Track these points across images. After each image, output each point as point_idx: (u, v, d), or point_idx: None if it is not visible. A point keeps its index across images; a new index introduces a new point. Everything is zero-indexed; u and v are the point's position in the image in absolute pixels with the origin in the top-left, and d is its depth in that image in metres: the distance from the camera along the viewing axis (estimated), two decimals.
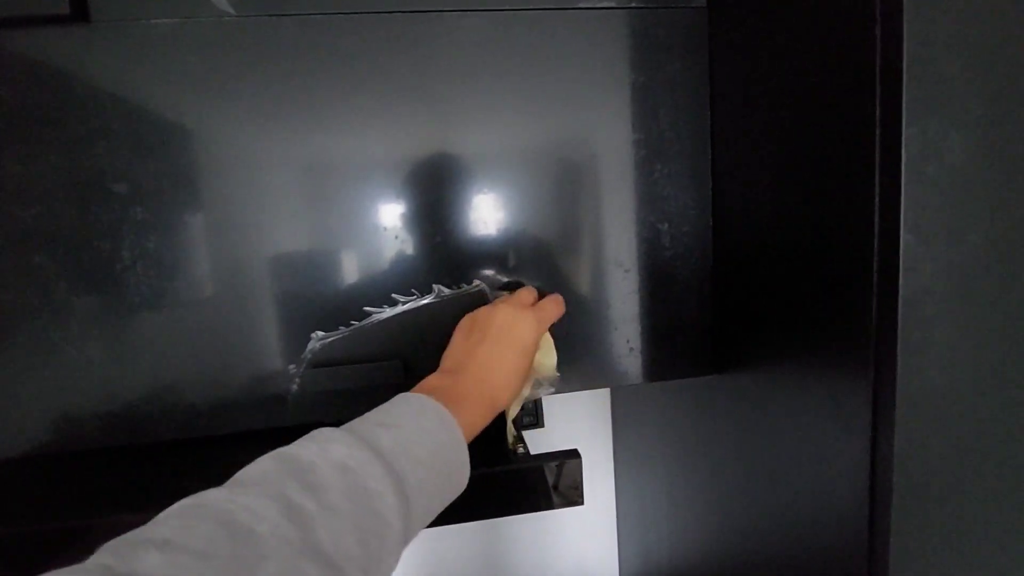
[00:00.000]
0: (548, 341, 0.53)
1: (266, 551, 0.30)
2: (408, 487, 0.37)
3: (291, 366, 0.53)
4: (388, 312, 0.53)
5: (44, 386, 0.50)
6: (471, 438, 0.44)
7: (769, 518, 0.52)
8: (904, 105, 0.34)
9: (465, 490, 0.43)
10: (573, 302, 0.56)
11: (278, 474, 0.34)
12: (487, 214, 0.54)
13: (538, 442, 0.67)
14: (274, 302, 0.52)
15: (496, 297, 0.54)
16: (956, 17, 0.34)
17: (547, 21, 0.52)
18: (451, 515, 0.42)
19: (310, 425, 0.53)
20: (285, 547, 0.30)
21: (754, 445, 0.54)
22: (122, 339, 0.50)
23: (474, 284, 0.54)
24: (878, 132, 0.36)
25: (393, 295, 0.53)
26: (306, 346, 0.53)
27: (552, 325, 0.52)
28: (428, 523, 0.40)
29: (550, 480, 0.51)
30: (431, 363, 0.51)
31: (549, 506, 0.52)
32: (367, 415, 0.41)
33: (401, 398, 0.43)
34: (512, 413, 0.52)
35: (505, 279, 0.55)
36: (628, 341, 0.58)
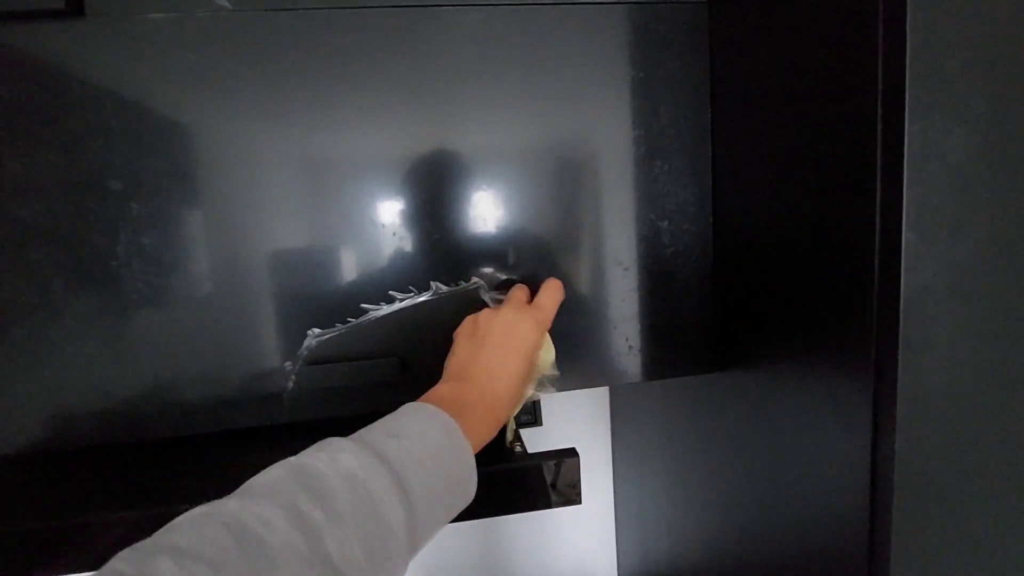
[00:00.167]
0: (545, 336, 0.53)
1: (276, 560, 0.30)
2: (414, 498, 0.38)
3: (287, 363, 0.52)
4: (385, 309, 0.53)
5: (40, 384, 0.50)
6: (478, 448, 0.44)
7: (769, 517, 0.52)
8: (906, 102, 0.34)
9: None
10: (572, 300, 0.56)
11: (288, 483, 0.35)
12: (485, 211, 0.54)
13: (536, 441, 0.67)
14: (271, 299, 0.52)
15: (491, 297, 0.54)
16: (959, 14, 0.34)
17: (546, 16, 0.51)
18: None
19: (307, 423, 0.54)
20: (294, 556, 0.31)
21: (754, 444, 0.53)
22: (119, 336, 0.50)
23: (472, 281, 0.54)
24: (880, 129, 0.35)
25: (390, 292, 0.53)
26: (302, 343, 0.52)
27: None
28: (435, 534, 0.40)
29: (548, 479, 0.51)
30: (428, 360, 0.51)
31: (547, 505, 0.51)
32: (374, 424, 0.41)
33: (408, 408, 0.43)
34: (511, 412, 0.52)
35: (503, 277, 0.55)
36: (627, 339, 0.58)
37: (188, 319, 0.51)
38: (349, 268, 0.52)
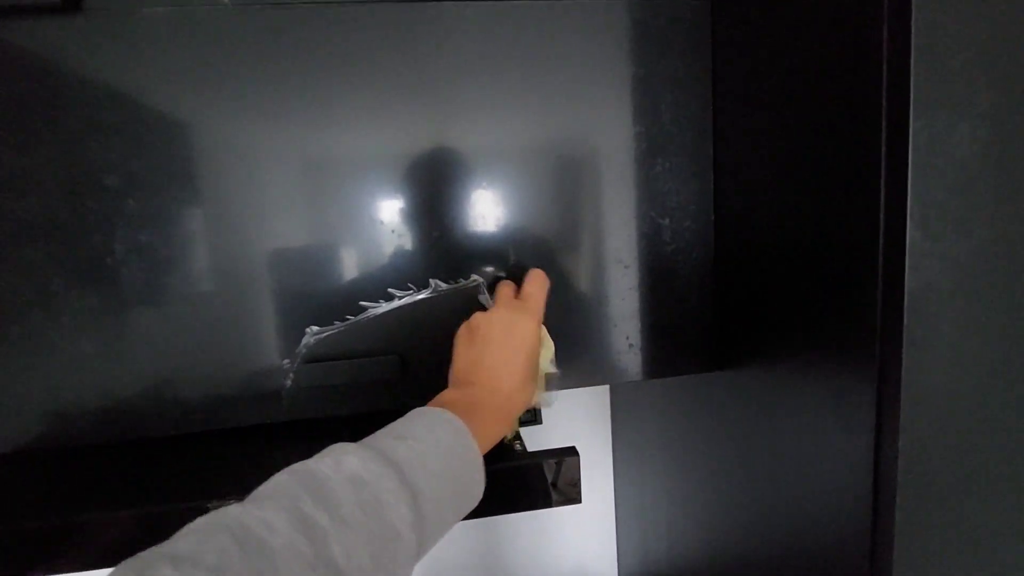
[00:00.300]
0: (543, 332, 0.52)
1: (278, 563, 0.30)
2: (422, 500, 0.38)
3: (285, 361, 0.52)
4: (384, 307, 0.53)
5: (38, 382, 0.49)
6: (489, 447, 0.45)
7: (770, 517, 0.51)
8: (911, 98, 0.34)
9: None
10: (572, 298, 0.56)
11: (292, 488, 0.35)
12: (485, 209, 0.53)
13: (536, 439, 0.67)
14: (269, 297, 0.51)
15: (485, 299, 0.54)
16: (964, 9, 0.33)
17: (547, 12, 0.51)
18: None
19: (306, 421, 0.53)
20: (297, 559, 0.31)
21: (755, 443, 0.53)
22: (117, 334, 0.50)
23: (471, 279, 0.54)
24: (884, 125, 0.35)
25: (389, 290, 0.53)
26: (301, 341, 0.52)
27: (547, 318, 0.52)
28: (443, 535, 0.41)
29: (548, 478, 0.51)
30: (428, 358, 0.50)
31: (547, 504, 0.51)
32: (382, 429, 0.42)
33: (416, 412, 0.43)
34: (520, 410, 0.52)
35: (503, 275, 0.54)
36: (628, 338, 0.58)
37: (186, 317, 0.50)
38: (348, 266, 0.52)
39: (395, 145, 0.51)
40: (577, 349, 0.57)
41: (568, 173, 0.54)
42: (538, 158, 0.53)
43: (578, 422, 1.04)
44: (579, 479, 0.52)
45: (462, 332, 0.50)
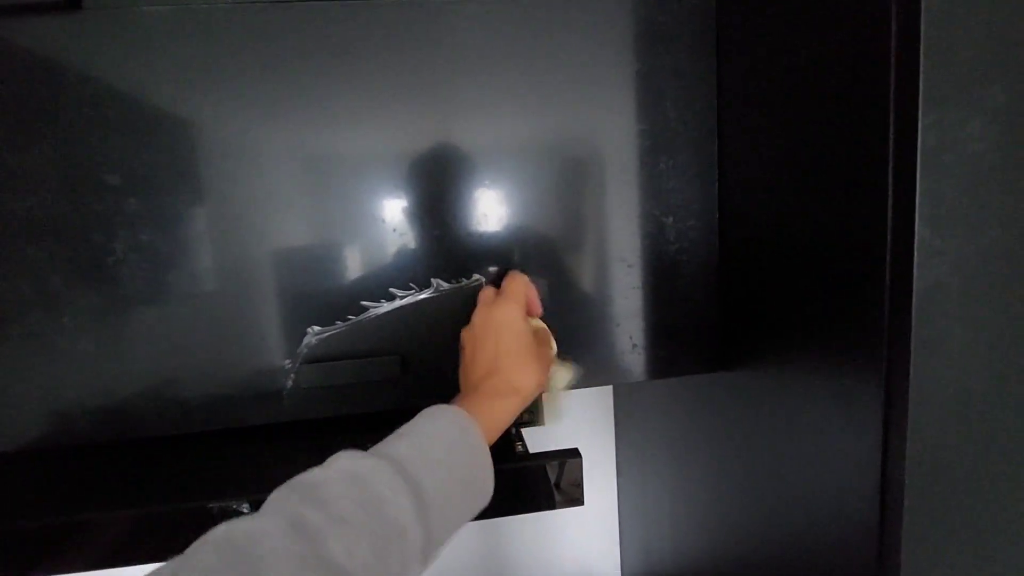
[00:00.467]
0: (544, 329, 0.52)
1: (263, 568, 0.30)
2: (424, 490, 0.38)
3: (287, 361, 0.52)
4: (386, 307, 0.53)
5: (38, 381, 0.49)
6: (499, 430, 0.45)
7: (775, 518, 0.51)
8: (921, 92, 0.33)
9: None
10: (575, 298, 0.55)
11: (285, 496, 0.35)
12: (487, 208, 0.53)
13: (539, 441, 0.67)
14: (270, 296, 0.51)
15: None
16: (974, 1, 0.33)
17: (550, 8, 0.51)
18: None
19: (306, 421, 0.53)
20: (290, 562, 0.31)
21: (760, 444, 0.53)
22: (116, 333, 0.50)
23: (473, 278, 0.53)
24: (893, 120, 0.35)
25: (391, 289, 0.52)
26: (302, 341, 0.52)
27: (550, 318, 0.51)
28: (455, 528, 0.40)
29: (551, 479, 0.51)
30: (429, 357, 0.50)
31: (550, 506, 0.51)
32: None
33: (422, 412, 0.44)
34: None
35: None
36: (631, 337, 0.57)
37: (187, 316, 0.50)
38: (350, 265, 0.52)
39: (396, 143, 0.51)
40: (580, 349, 0.56)
41: (571, 171, 0.54)
42: (541, 156, 0.53)
43: (581, 422, 1.04)
44: (582, 480, 0.51)
45: (462, 341, 0.51)
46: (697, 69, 0.54)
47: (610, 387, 1.03)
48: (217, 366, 0.51)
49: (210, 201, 0.49)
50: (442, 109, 0.51)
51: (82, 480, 0.54)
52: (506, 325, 0.48)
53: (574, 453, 0.52)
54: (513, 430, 0.54)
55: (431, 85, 0.50)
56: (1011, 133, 0.34)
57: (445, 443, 0.41)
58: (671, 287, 0.57)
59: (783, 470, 0.49)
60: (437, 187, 0.52)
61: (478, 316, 0.49)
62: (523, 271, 0.53)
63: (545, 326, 0.53)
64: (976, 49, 0.33)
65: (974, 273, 0.35)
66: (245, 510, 0.45)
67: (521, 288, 0.50)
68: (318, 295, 0.52)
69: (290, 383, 0.52)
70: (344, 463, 0.37)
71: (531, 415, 0.65)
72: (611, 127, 0.53)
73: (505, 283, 0.51)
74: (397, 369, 0.53)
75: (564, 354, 0.54)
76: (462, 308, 0.52)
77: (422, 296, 0.53)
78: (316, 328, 0.52)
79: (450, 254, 0.53)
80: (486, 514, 0.44)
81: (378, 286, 0.52)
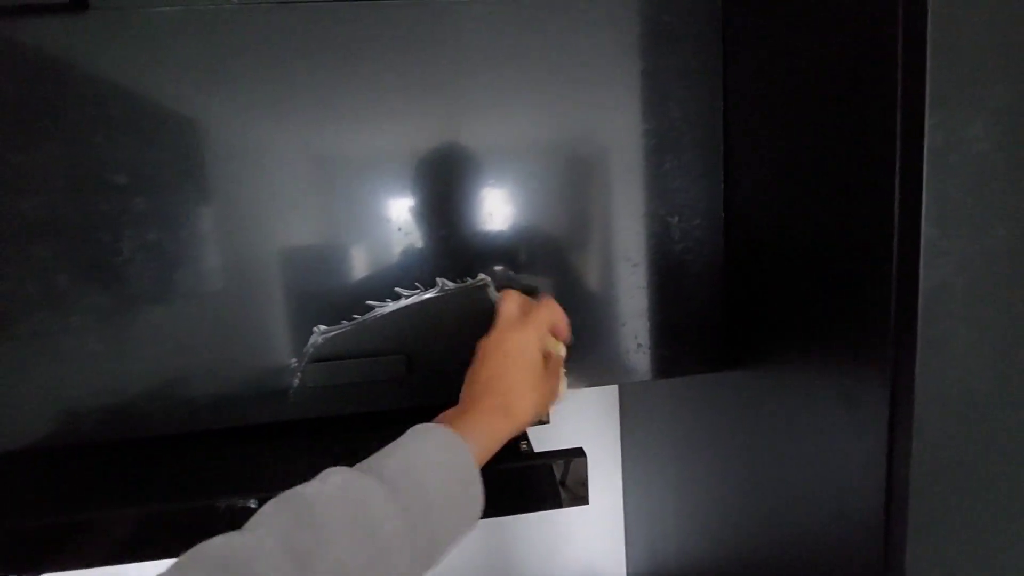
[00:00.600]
0: (559, 360, 0.52)
1: None
2: (412, 509, 0.38)
3: (292, 360, 0.52)
4: (391, 306, 0.53)
5: (45, 380, 0.49)
6: (490, 449, 0.44)
7: (780, 518, 0.51)
8: (927, 92, 0.33)
9: None
10: (580, 297, 0.55)
11: (277, 513, 0.35)
12: (492, 207, 0.53)
13: (544, 440, 0.67)
14: (276, 295, 0.51)
15: (493, 295, 0.53)
16: (981, 1, 0.33)
17: (555, 8, 0.51)
18: None
19: (312, 420, 0.53)
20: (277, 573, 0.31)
21: (765, 443, 0.53)
22: (123, 332, 0.50)
23: (478, 278, 0.53)
24: (899, 120, 0.35)
25: (396, 289, 0.53)
26: (308, 340, 0.52)
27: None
28: (445, 549, 0.40)
29: (556, 478, 0.51)
30: (434, 357, 0.50)
31: (555, 505, 0.51)
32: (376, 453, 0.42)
33: (410, 429, 0.44)
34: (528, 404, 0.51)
35: (511, 273, 0.54)
36: (636, 337, 0.57)
37: (193, 315, 0.50)
38: (355, 265, 0.52)
39: (402, 143, 0.51)
40: (585, 348, 0.56)
41: (576, 171, 0.54)
42: (546, 155, 0.53)
43: (586, 422, 1.03)
44: (587, 479, 0.51)
45: (474, 353, 0.50)
46: (703, 69, 0.53)
47: (615, 386, 1.02)
48: (223, 365, 0.51)
49: (217, 201, 0.49)
50: (447, 109, 0.51)
51: (89, 478, 0.55)
52: (520, 351, 0.47)
53: (579, 452, 0.52)
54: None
55: (437, 85, 0.50)
56: (1015, 133, 0.34)
57: (434, 463, 0.41)
58: (676, 287, 0.57)
59: (788, 469, 0.49)
60: (443, 187, 0.52)
61: (497, 332, 0.48)
62: (529, 270, 0.53)
63: (564, 355, 0.52)
64: (981, 49, 0.33)
65: (979, 273, 0.35)
66: (253, 506, 0.45)
67: (546, 317, 0.50)
68: (324, 294, 0.52)
69: (296, 382, 0.52)
70: (337, 480, 0.37)
71: None
72: (616, 127, 0.53)
73: (535, 308, 0.50)
74: (402, 368, 0.53)
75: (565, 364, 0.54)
76: (467, 308, 0.52)
77: (427, 296, 0.53)
78: (322, 327, 0.52)
79: (455, 254, 0.53)
80: (490, 513, 0.44)
81: (384, 286, 0.52)
